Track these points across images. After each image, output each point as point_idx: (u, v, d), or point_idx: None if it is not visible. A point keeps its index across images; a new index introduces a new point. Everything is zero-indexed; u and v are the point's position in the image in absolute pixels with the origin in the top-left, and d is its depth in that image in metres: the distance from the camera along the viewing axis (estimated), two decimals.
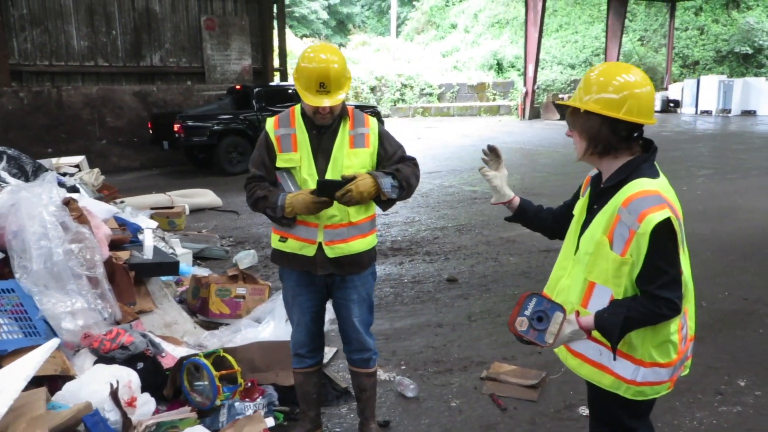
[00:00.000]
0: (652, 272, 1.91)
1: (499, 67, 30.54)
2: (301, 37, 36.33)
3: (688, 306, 2.11)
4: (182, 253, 5.90)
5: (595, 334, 2.03)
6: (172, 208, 8.34)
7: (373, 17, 42.67)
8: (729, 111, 26.03)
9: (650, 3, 31.64)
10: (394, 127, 23.21)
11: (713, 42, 31.32)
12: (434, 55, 32.59)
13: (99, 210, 4.29)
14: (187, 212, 8.47)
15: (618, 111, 1.95)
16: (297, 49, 31.87)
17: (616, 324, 1.94)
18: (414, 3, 38.45)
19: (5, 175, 3.95)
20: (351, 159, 2.80)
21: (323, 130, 2.81)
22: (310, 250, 2.83)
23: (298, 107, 2.86)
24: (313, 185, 2.77)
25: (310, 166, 2.79)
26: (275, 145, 2.83)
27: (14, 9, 12.67)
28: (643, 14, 32.31)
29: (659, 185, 1.96)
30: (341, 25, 42.21)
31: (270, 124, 2.87)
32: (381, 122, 14.16)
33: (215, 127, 12.13)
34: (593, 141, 2.01)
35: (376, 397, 3.22)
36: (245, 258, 6.10)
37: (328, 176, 2.78)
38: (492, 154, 2.46)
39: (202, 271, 5.55)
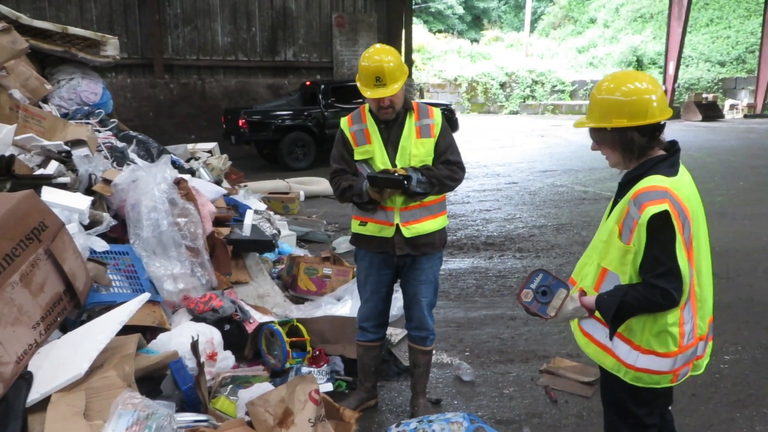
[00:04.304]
0: (651, 261, 2.04)
1: (639, 64, 29.00)
2: (435, 33, 36.67)
3: (699, 304, 2.17)
4: (286, 234, 6.45)
5: (598, 314, 2.17)
6: (288, 193, 9.02)
7: (509, 12, 42.04)
8: None
9: None
10: (520, 123, 22.92)
11: None
12: (569, 51, 31.62)
13: (208, 190, 4.86)
14: (302, 198, 9.10)
15: (644, 117, 2.06)
16: (430, 44, 32.31)
17: (612, 305, 2.10)
18: None
19: (134, 156, 4.61)
20: (418, 148, 3.09)
21: (390, 124, 3.12)
22: (389, 232, 3.14)
23: (367, 106, 3.17)
24: None
25: (383, 156, 3.11)
26: (351, 140, 3.17)
27: (170, 9, 14.10)
28: None
29: (671, 183, 2.07)
30: (476, 21, 42.03)
31: (344, 122, 3.21)
32: (455, 121, 13.74)
33: (278, 123, 12.22)
34: (629, 149, 2.13)
35: (428, 374, 3.46)
36: (343, 242, 6.52)
37: (398, 163, 3.09)
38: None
39: (301, 252, 6.04)
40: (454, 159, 3.18)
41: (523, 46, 32.45)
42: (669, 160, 2.14)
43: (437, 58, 30.80)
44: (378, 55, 2.99)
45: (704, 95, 24.18)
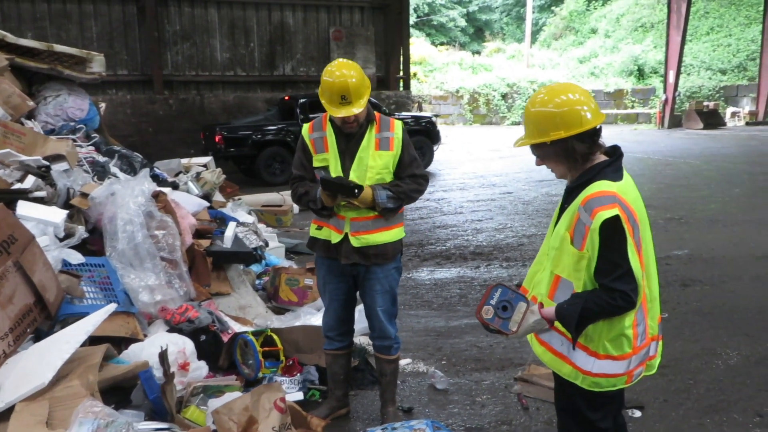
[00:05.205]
0: (606, 266, 2.07)
1: (640, 73, 29.02)
2: (438, 45, 36.86)
3: (649, 305, 2.21)
4: (275, 246, 6.51)
5: (558, 324, 2.19)
6: (281, 206, 9.08)
7: (511, 23, 42.24)
8: None
9: None
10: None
11: None
12: (570, 61, 31.68)
13: (190, 203, 4.92)
14: (296, 211, 9.15)
15: (579, 126, 2.10)
16: (431, 57, 32.45)
17: (574, 314, 2.11)
18: (553, 8, 37.58)
19: (116, 170, 4.69)
20: (375, 160, 3.12)
21: (350, 135, 3.15)
22: (336, 238, 3.17)
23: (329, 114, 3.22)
24: None
25: (337, 165, 3.15)
26: (310, 148, 3.21)
27: (169, 26, 14.28)
28: None
29: (618, 187, 2.11)
30: (479, 33, 42.25)
31: (305, 129, 3.26)
32: (436, 133, 13.70)
33: (255, 138, 12.18)
34: (573, 157, 2.17)
35: (396, 383, 3.49)
36: None
37: (353, 174, 3.12)
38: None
39: (288, 263, 6.09)
40: (419, 173, 3.23)
41: (524, 57, 32.56)
42: (613, 165, 2.18)
43: (439, 70, 30.92)
44: (340, 70, 3.01)
45: (705, 103, 24.14)
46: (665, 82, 23.20)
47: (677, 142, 18.23)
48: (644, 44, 30.15)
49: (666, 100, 23.18)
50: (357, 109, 3.01)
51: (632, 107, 27.20)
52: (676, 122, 23.54)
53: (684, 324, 4.73)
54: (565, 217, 2.19)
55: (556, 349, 2.26)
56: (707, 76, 27.43)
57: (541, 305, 2.23)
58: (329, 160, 3.15)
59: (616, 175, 2.15)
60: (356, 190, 2.97)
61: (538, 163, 2.28)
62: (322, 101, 3.09)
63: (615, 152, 2.22)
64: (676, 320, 4.79)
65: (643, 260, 2.14)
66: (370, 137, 3.13)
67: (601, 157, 2.19)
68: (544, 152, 2.20)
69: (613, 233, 2.03)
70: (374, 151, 3.12)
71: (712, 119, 23.02)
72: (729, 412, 3.46)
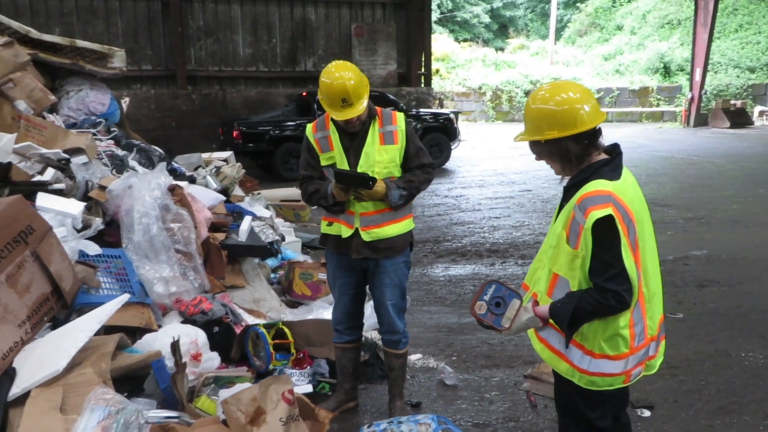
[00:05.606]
0: (600, 265, 2.07)
1: (666, 71, 28.57)
2: (461, 42, 36.70)
3: (648, 305, 2.20)
4: (292, 240, 6.56)
5: (552, 322, 2.20)
6: (300, 201, 9.15)
7: (536, 20, 41.88)
8: None
9: None
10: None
11: None
12: (595, 58, 31.30)
13: (206, 197, 4.99)
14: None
15: (574, 127, 2.10)
16: (454, 53, 32.34)
17: (566, 313, 2.12)
18: (578, 5, 37.16)
19: (134, 163, 4.78)
20: (382, 155, 3.15)
21: (354, 132, 3.17)
22: (346, 232, 3.21)
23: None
24: None
25: (343, 163, 3.17)
26: (316, 147, 3.24)
27: (192, 21, 14.44)
28: None
29: (614, 186, 2.10)
30: (503, 29, 41.97)
31: (309, 129, 3.28)
32: (455, 129, 13.71)
33: (273, 134, 12.28)
34: (567, 157, 2.18)
35: (404, 377, 3.52)
36: None
37: (360, 170, 3.14)
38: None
39: (304, 258, 6.14)
40: (427, 161, 3.25)
41: (548, 54, 32.28)
42: (612, 164, 2.17)
43: (461, 66, 30.79)
44: (338, 72, 3.01)
45: (732, 102, 23.69)
46: (691, 80, 22.80)
47: (702, 141, 17.94)
48: (671, 41, 29.66)
49: (692, 99, 22.79)
50: (358, 110, 3.03)
51: (658, 105, 26.80)
52: (702, 121, 23.14)
53: (698, 325, 4.68)
54: (561, 216, 2.19)
55: (554, 346, 2.27)
56: (735, 74, 26.91)
57: (536, 303, 2.24)
58: (335, 158, 3.18)
59: (613, 174, 2.14)
60: (371, 182, 2.99)
61: (537, 159, 2.28)
62: (323, 104, 3.10)
63: (614, 151, 2.22)
64: (691, 321, 4.74)
65: (639, 260, 2.13)
66: (373, 133, 3.15)
67: (600, 156, 2.19)
68: (539, 150, 2.22)
69: (605, 233, 2.03)
70: (379, 145, 3.14)
71: (739, 118, 22.60)
72: (740, 414, 3.43)
